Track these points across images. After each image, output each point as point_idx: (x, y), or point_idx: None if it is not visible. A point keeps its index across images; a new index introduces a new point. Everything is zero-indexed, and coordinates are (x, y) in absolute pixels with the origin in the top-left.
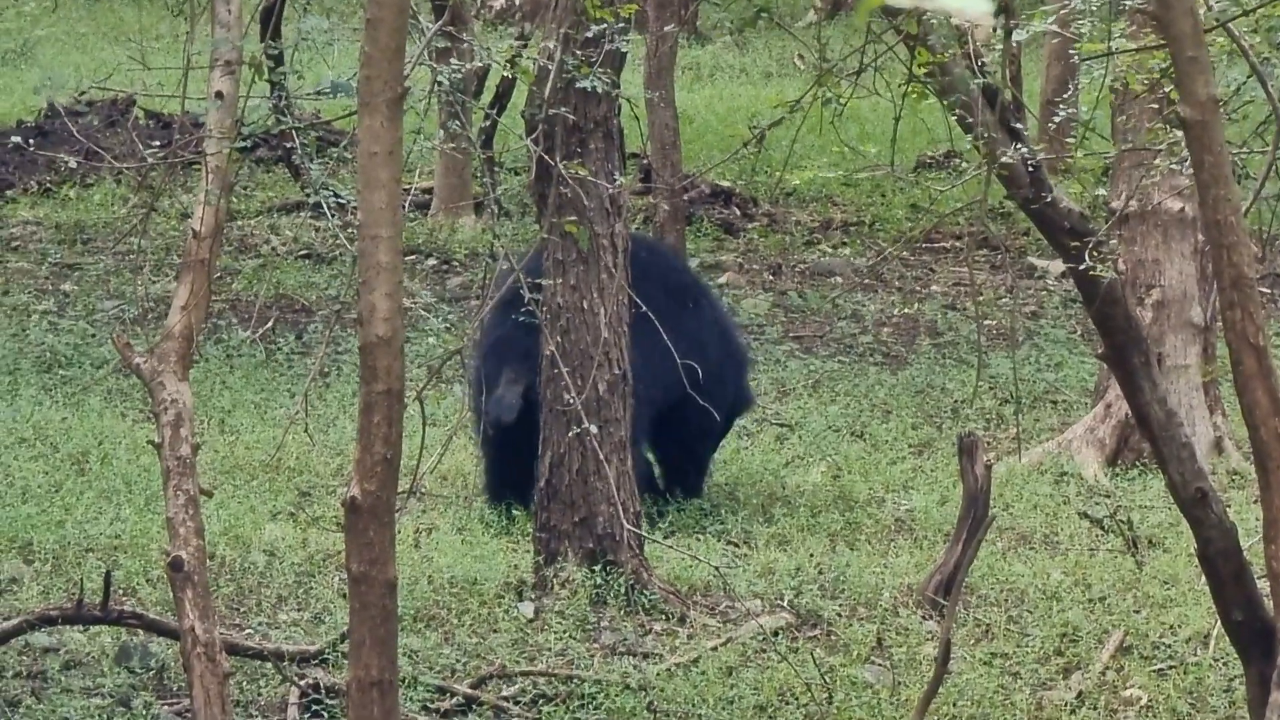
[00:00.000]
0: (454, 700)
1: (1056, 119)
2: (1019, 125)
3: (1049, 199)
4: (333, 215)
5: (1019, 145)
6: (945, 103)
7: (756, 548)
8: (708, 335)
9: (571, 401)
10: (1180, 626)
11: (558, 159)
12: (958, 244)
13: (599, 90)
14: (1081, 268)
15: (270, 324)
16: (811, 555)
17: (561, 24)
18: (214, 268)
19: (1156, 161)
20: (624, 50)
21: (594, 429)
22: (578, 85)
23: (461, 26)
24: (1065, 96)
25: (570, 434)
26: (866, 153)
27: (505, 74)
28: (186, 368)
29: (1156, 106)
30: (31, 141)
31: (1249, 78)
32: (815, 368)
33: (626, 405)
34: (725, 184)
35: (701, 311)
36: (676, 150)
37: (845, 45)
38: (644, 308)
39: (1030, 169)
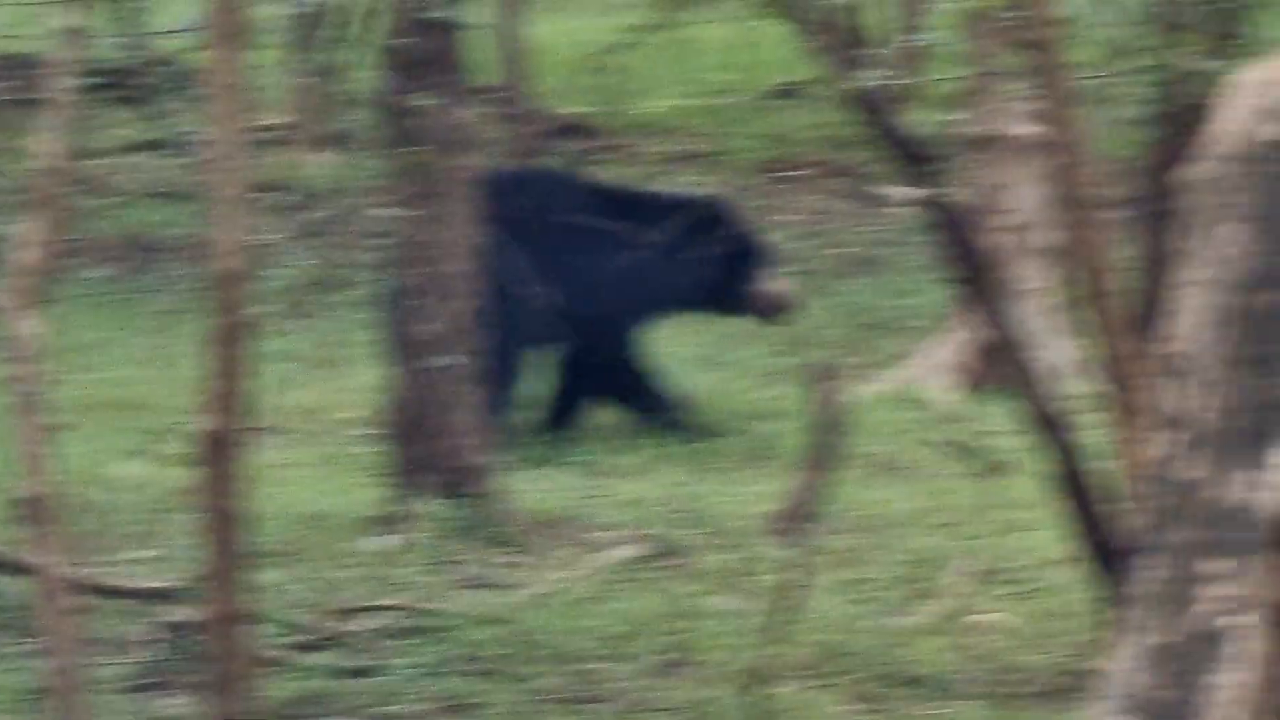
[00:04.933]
0: (312, 635)
1: (905, 42)
2: (868, 50)
3: (898, 125)
4: (190, 151)
5: (867, 70)
6: (795, 27)
7: (614, 477)
8: None
9: (427, 334)
10: (1035, 550)
11: (407, 91)
12: (810, 171)
13: (448, 21)
14: (931, 193)
15: (124, 261)
16: (669, 484)
17: None
18: (64, 204)
19: (1005, 86)
20: None
21: (459, 360)
22: (427, 16)
23: None
24: (915, 20)
25: (430, 366)
26: (716, 81)
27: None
28: (37, 303)
29: (1007, 29)
30: None
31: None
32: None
33: (481, 337)
34: (576, 115)
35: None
36: (528, 82)
37: None
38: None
39: (879, 94)
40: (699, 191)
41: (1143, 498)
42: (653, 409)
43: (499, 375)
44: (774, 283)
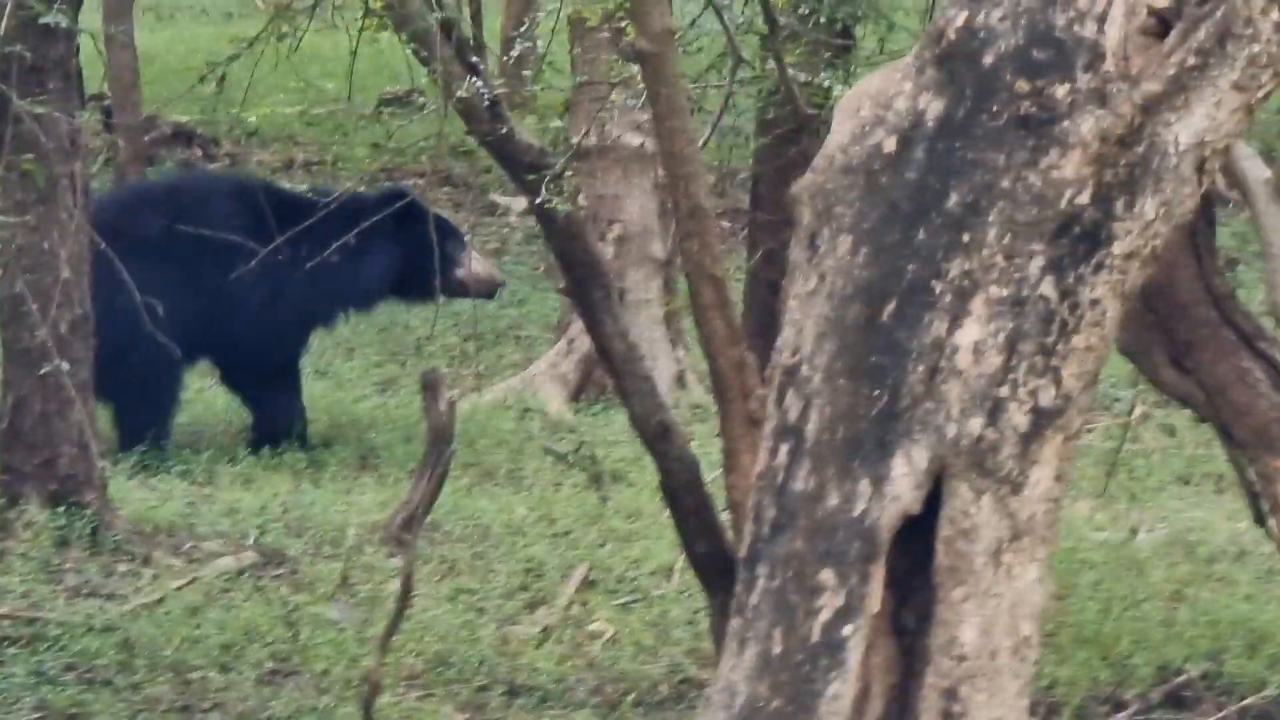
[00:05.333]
0: None
1: (514, 52)
2: (477, 60)
3: (508, 134)
4: None
5: (477, 80)
6: (403, 37)
7: (220, 486)
8: None
9: (34, 342)
10: (644, 560)
11: (15, 97)
12: (419, 181)
13: (59, 27)
14: (540, 202)
15: None
16: (276, 493)
17: None
18: None
19: (614, 96)
20: None
21: (65, 366)
22: (38, 22)
23: None
24: (523, 30)
25: (37, 374)
26: (326, 90)
27: None
28: None
29: (612, 38)
30: None
31: (705, 9)
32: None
33: (89, 346)
34: (187, 124)
35: None
36: (137, 90)
37: None
38: None
39: (489, 104)
40: (382, 186)
41: (753, 508)
42: (283, 419)
43: (148, 392)
44: (477, 263)
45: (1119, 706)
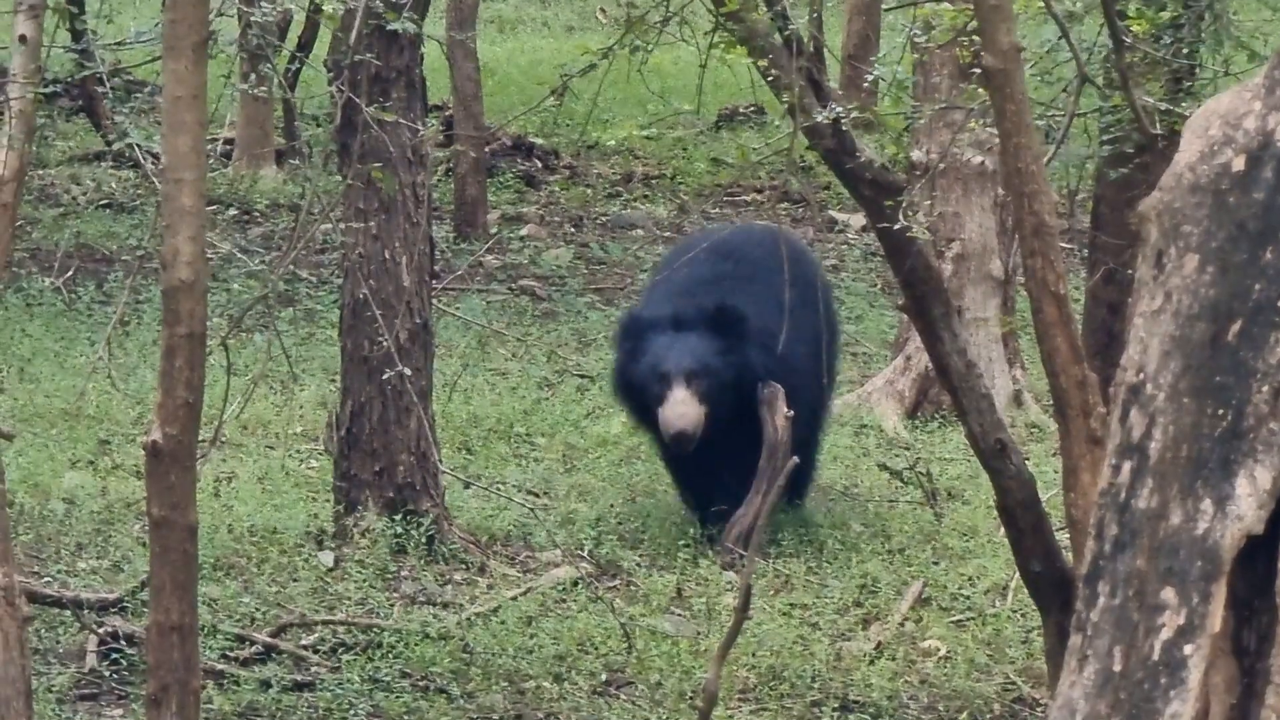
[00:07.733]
0: (253, 648)
1: (867, 74)
2: (823, 78)
3: (852, 152)
4: (145, 160)
5: (824, 98)
6: (750, 52)
7: (557, 498)
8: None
9: (374, 350)
10: (979, 578)
11: (362, 106)
12: (759, 197)
13: (404, 34)
14: (887, 223)
15: (71, 273)
16: (611, 506)
17: None
18: (15, 214)
19: (958, 116)
20: None
21: (407, 371)
22: (385, 28)
23: None
24: (880, 57)
25: (379, 380)
26: (672, 105)
27: (315, 17)
28: None
29: (966, 59)
30: None
31: (1061, 37)
32: (616, 319)
33: (428, 355)
34: (528, 136)
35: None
36: (479, 102)
37: None
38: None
39: (834, 122)
40: None
41: (1095, 525)
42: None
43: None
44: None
45: None
